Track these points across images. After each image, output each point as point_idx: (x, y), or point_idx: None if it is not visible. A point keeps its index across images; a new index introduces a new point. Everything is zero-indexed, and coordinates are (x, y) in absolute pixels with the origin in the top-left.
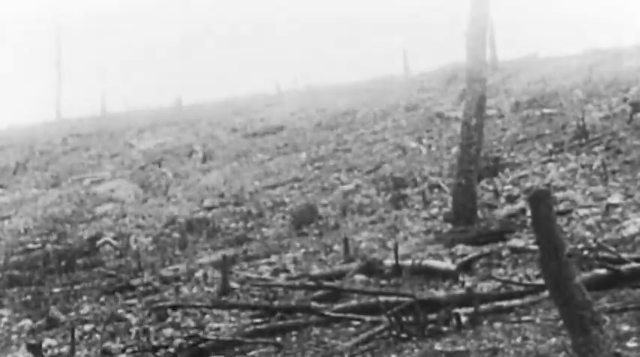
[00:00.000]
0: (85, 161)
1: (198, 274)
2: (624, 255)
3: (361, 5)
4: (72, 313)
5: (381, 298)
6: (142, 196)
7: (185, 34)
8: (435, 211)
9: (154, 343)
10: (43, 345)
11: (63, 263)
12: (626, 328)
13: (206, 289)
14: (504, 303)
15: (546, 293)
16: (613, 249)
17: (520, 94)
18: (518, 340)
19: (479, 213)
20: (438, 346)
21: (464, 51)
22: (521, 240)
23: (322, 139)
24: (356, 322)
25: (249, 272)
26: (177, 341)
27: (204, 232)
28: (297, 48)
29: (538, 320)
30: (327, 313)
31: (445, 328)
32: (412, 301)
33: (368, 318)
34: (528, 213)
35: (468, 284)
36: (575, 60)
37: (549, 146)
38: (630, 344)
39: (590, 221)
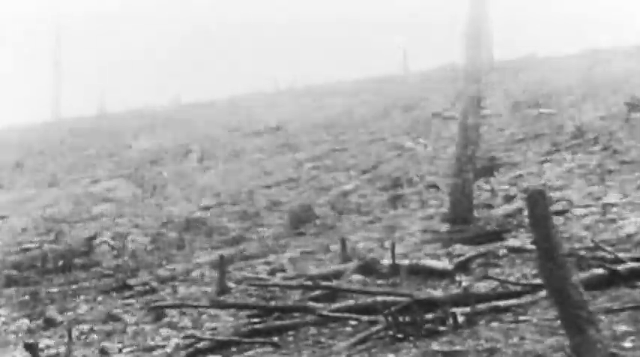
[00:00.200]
0: (82, 161)
1: (195, 273)
2: (621, 255)
3: (360, 5)
4: (69, 313)
5: (378, 298)
6: (140, 196)
7: (185, 33)
8: (432, 210)
9: (151, 342)
10: (41, 345)
11: (60, 263)
12: (623, 328)
13: (203, 288)
14: (501, 303)
15: (544, 293)
16: (610, 249)
17: (517, 94)
18: (516, 339)
19: (476, 213)
20: (435, 346)
21: (462, 51)
22: (519, 240)
23: (320, 139)
24: (353, 322)
25: (247, 272)
26: (174, 341)
27: (201, 232)
28: (296, 48)
29: (535, 320)
30: (324, 312)
31: (442, 328)
32: (409, 300)
33: (365, 318)
34: (525, 213)
35: (464, 284)
36: (573, 60)
37: (546, 146)
38: (627, 344)
39: (587, 221)
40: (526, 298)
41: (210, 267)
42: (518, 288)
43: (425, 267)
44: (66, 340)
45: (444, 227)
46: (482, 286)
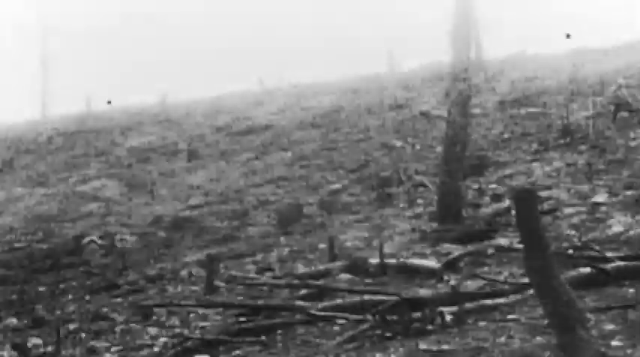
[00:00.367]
0: (70, 160)
1: (184, 272)
2: (609, 254)
3: (347, 3)
4: (57, 312)
5: (366, 297)
6: (128, 195)
7: (173, 33)
8: (420, 209)
9: (139, 342)
10: (29, 344)
11: (49, 262)
12: (610, 326)
13: (191, 287)
14: (489, 301)
15: (531, 292)
16: (598, 248)
17: (505, 93)
18: (503, 338)
19: (464, 212)
20: (422, 345)
21: (449, 50)
22: (507, 239)
23: (308, 138)
24: (341, 321)
25: (235, 271)
26: (162, 340)
27: (189, 231)
28: (283, 47)
29: (523, 319)
30: (312, 311)
31: (430, 327)
32: (397, 299)
33: (353, 317)
34: (514, 212)
35: (452, 283)
36: (561, 59)
37: (534, 145)
38: (615, 343)
39: (575, 220)
40: (514, 297)
41: (199, 266)
42: (506, 287)
43: (413, 266)
44: (54, 339)
45: (432, 226)
46: (471, 285)
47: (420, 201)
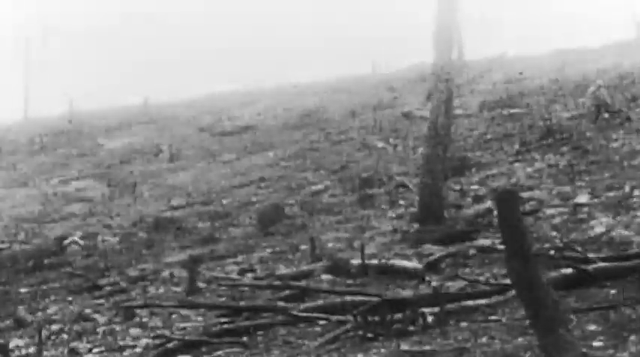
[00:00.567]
0: (53, 161)
1: (165, 273)
2: (591, 255)
3: (331, 5)
4: (39, 313)
5: (348, 298)
6: (110, 196)
7: (156, 34)
8: (401, 210)
9: (121, 343)
10: (11, 345)
11: (31, 263)
12: (592, 327)
13: (173, 288)
14: (471, 302)
15: (513, 293)
16: (580, 249)
17: (488, 94)
18: (485, 339)
19: (445, 213)
20: (404, 346)
21: (432, 51)
22: (488, 239)
23: (290, 139)
24: (322, 322)
25: (216, 272)
26: (144, 341)
27: (171, 232)
28: (264, 48)
29: (505, 320)
30: (293, 312)
31: (411, 328)
32: (378, 300)
33: (335, 317)
34: (495, 212)
35: (434, 284)
36: (544, 60)
37: (516, 146)
38: (596, 344)
39: (557, 221)
40: (495, 298)
41: (180, 267)
42: (488, 288)
43: (394, 267)
44: (36, 340)
45: (414, 227)
46: (452, 286)
47: (401, 202)
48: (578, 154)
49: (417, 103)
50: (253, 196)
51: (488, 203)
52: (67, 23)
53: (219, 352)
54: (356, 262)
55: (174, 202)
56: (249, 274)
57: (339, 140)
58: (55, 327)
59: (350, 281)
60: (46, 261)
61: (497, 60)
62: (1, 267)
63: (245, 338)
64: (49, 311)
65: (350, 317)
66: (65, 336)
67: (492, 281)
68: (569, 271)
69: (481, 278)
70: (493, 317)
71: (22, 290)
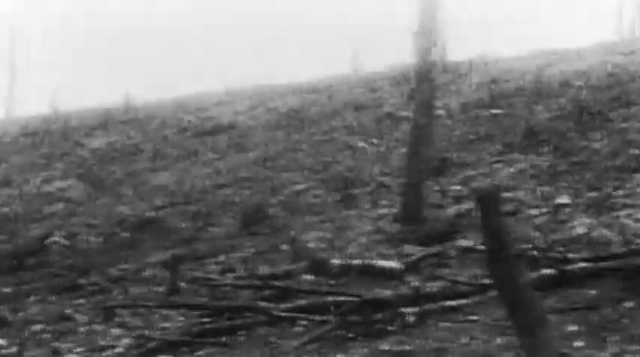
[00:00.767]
0: (35, 160)
1: (147, 273)
2: (571, 255)
3: (312, 4)
4: (21, 313)
5: (329, 298)
6: (92, 196)
7: (136, 32)
8: (383, 211)
9: (102, 342)
10: None
11: (12, 263)
12: (573, 327)
13: (155, 288)
14: (451, 302)
15: (494, 293)
16: (561, 249)
17: (470, 94)
18: (465, 339)
19: (427, 213)
20: (384, 346)
21: (414, 51)
22: (469, 240)
23: (272, 139)
24: (304, 322)
25: (198, 272)
26: (125, 341)
27: (153, 232)
28: (246, 48)
29: (485, 320)
30: (275, 312)
31: (391, 328)
32: (359, 300)
33: (316, 318)
34: (476, 213)
35: (414, 284)
36: (527, 60)
37: (498, 147)
38: (577, 344)
39: (538, 221)
40: (476, 298)
41: (162, 267)
42: (469, 288)
43: (375, 267)
44: (17, 340)
45: (395, 227)
46: (432, 286)
47: (383, 202)
48: (560, 155)
49: (399, 103)
50: (235, 196)
51: (470, 204)
52: (52, 24)
53: (200, 352)
54: (337, 262)
55: (157, 202)
56: (231, 274)
57: (320, 140)
58: (36, 327)
59: (331, 281)
60: (28, 261)
61: (479, 60)
62: None
63: (226, 338)
64: (31, 311)
65: (331, 317)
66: (47, 336)
67: (473, 281)
68: (549, 271)
69: (461, 278)
70: (473, 317)
71: (4, 290)
